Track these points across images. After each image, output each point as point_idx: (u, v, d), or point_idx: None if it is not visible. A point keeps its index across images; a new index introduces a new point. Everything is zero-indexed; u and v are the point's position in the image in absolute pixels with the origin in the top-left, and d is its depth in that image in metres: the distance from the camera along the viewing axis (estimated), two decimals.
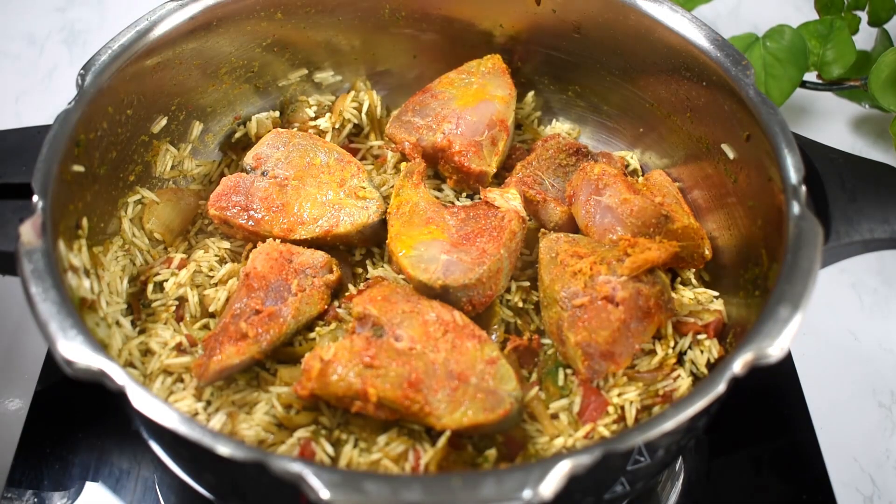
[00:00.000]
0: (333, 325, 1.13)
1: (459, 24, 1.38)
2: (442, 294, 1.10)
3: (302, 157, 1.25)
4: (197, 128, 1.31)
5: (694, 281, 1.22)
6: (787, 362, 1.32)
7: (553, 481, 0.74)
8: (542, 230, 1.23)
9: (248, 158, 1.25)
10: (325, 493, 0.73)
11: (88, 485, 1.15)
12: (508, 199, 1.20)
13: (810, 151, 1.06)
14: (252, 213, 1.18)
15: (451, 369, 1.00)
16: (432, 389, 0.98)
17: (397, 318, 1.05)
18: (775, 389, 1.30)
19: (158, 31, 1.15)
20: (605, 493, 0.91)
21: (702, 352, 1.11)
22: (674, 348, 1.11)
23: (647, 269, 1.08)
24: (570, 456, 0.76)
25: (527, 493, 0.74)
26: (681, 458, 1.22)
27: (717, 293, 1.18)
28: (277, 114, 1.38)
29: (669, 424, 0.80)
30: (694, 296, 1.17)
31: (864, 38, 1.67)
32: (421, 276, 1.10)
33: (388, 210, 1.19)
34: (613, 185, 1.19)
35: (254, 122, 1.36)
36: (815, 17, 1.67)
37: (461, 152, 1.25)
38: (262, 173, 1.23)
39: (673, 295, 1.12)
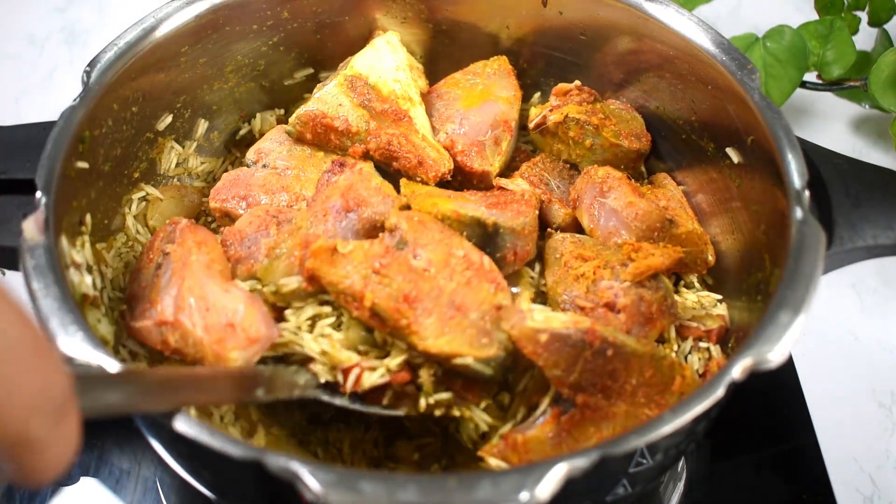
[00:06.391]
0: None
1: (466, 26, 1.35)
2: (491, 234, 1.05)
3: (303, 150, 1.21)
4: (202, 126, 1.28)
5: (697, 284, 1.19)
6: (788, 363, 1.30)
7: (550, 484, 0.72)
8: (549, 230, 1.20)
9: (251, 154, 1.23)
10: (320, 493, 0.71)
11: (88, 484, 1.14)
12: (519, 185, 1.17)
13: (814, 156, 1.03)
14: (251, 200, 1.15)
15: (454, 300, 0.96)
16: (426, 311, 0.94)
17: (424, 240, 1.00)
18: (775, 390, 1.28)
19: (164, 29, 1.12)
20: (606, 496, 0.89)
21: (699, 358, 1.08)
22: (676, 352, 1.08)
23: (651, 275, 1.05)
24: (567, 459, 0.73)
25: (524, 496, 0.71)
26: (682, 458, 1.19)
27: (720, 297, 1.15)
28: (283, 111, 1.35)
29: (667, 429, 0.77)
30: (697, 299, 1.14)
31: (864, 38, 1.64)
32: (472, 212, 1.05)
33: (402, 193, 1.13)
34: (618, 188, 1.16)
35: (258, 119, 1.33)
36: (815, 17, 1.64)
37: (463, 152, 1.22)
38: (263, 166, 1.20)
39: (676, 299, 1.09)
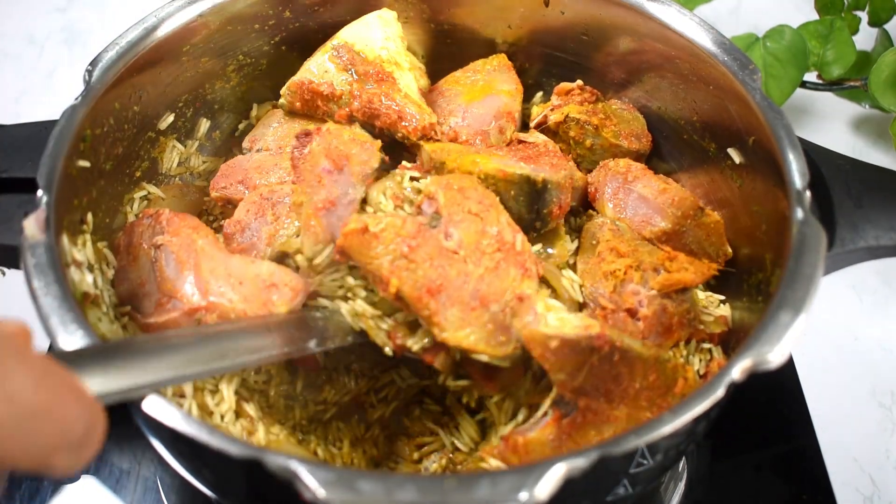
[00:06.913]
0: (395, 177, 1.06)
1: (468, 26, 1.34)
2: (540, 191, 1.03)
3: (294, 127, 1.21)
4: (204, 125, 1.27)
5: (701, 285, 1.17)
6: (788, 363, 1.28)
7: (548, 484, 0.71)
8: (590, 211, 1.19)
9: (246, 142, 1.23)
10: (319, 492, 0.70)
11: (89, 484, 1.13)
12: (537, 137, 1.17)
13: (816, 156, 1.02)
14: (248, 183, 1.15)
15: (478, 289, 0.93)
16: (449, 301, 0.92)
17: (459, 215, 0.97)
18: (775, 390, 1.26)
19: (166, 28, 1.11)
20: (606, 496, 0.88)
21: (700, 359, 1.07)
22: (683, 355, 1.07)
23: (681, 289, 1.04)
24: (566, 459, 0.72)
25: (522, 496, 0.70)
26: (683, 458, 1.18)
27: (723, 297, 1.14)
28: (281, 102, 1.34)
29: (667, 429, 0.76)
30: (705, 297, 1.13)
31: (864, 38, 1.63)
32: (520, 171, 1.03)
33: (428, 151, 1.11)
34: (644, 177, 1.15)
35: (255, 109, 1.33)
36: (815, 17, 1.63)
37: (468, 141, 1.21)
38: (258, 151, 1.20)
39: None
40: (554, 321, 0.92)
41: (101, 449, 0.67)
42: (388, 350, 0.99)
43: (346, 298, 1.01)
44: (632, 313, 1.02)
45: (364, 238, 0.93)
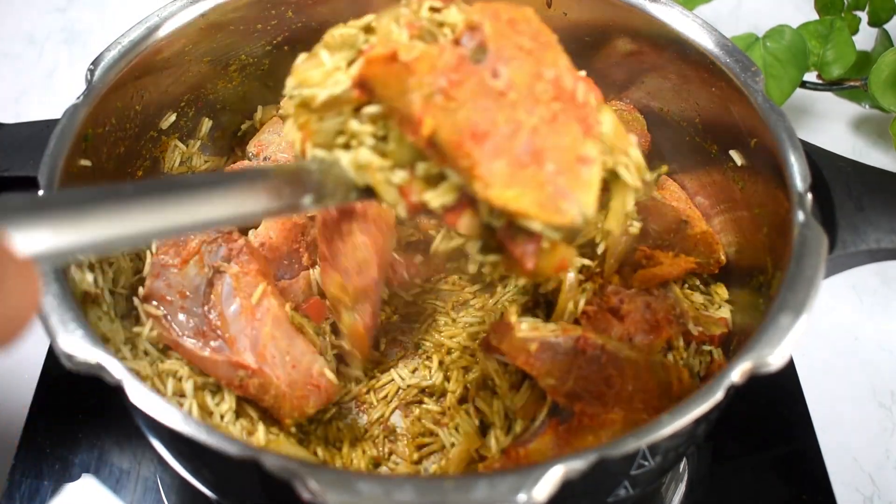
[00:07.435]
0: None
1: None
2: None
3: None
4: (206, 124, 1.26)
5: (701, 287, 1.17)
6: (788, 363, 1.27)
7: (547, 485, 0.70)
8: None
9: (251, 147, 1.21)
10: (317, 492, 0.69)
11: (88, 484, 1.12)
12: None
13: (817, 159, 1.00)
14: None
15: (532, 142, 0.72)
16: (496, 151, 0.71)
17: (509, 51, 0.75)
18: (775, 390, 1.25)
19: (168, 28, 1.10)
20: (607, 497, 0.87)
21: (700, 361, 1.06)
22: (684, 357, 1.06)
23: (660, 283, 1.03)
24: (564, 461, 0.71)
25: (521, 497, 0.70)
26: (684, 459, 1.17)
27: (724, 297, 1.13)
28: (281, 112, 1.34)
29: (666, 431, 0.75)
30: (704, 300, 1.12)
31: (864, 38, 1.61)
32: None
33: None
34: None
35: (259, 111, 1.32)
36: (815, 17, 1.61)
37: None
38: (264, 159, 1.18)
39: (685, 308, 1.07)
40: (526, 326, 0.88)
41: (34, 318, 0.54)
42: (400, 210, 0.78)
43: (347, 147, 0.81)
44: (614, 312, 1.01)
45: (392, 68, 0.74)
